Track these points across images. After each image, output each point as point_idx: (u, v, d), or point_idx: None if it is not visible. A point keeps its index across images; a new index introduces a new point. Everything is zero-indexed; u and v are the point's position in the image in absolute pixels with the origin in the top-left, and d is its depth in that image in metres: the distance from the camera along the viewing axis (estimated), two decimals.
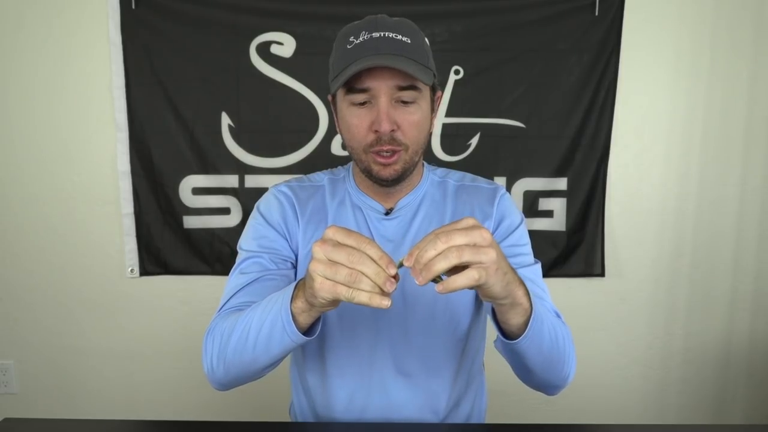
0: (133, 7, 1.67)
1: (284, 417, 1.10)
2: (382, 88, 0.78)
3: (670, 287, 1.87)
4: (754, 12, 1.73)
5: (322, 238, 0.58)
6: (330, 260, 0.56)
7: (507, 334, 0.71)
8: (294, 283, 0.67)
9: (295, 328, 0.65)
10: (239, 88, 1.72)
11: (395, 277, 0.56)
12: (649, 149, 1.81)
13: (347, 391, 0.92)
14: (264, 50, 1.71)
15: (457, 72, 1.72)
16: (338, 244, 0.56)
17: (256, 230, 0.90)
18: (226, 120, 1.75)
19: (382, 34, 0.78)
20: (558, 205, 1.81)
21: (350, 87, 0.79)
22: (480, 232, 0.56)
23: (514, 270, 0.64)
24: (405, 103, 0.80)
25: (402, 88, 0.79)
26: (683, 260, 1.86)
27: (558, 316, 0.87)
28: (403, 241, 0.90)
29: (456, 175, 0.98)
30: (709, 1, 1.72)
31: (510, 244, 0.91)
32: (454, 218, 0.91)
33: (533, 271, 0.90)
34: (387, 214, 0.91)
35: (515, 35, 1.71)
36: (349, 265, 0.55)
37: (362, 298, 0.55)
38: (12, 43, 1.71)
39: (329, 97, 0.90)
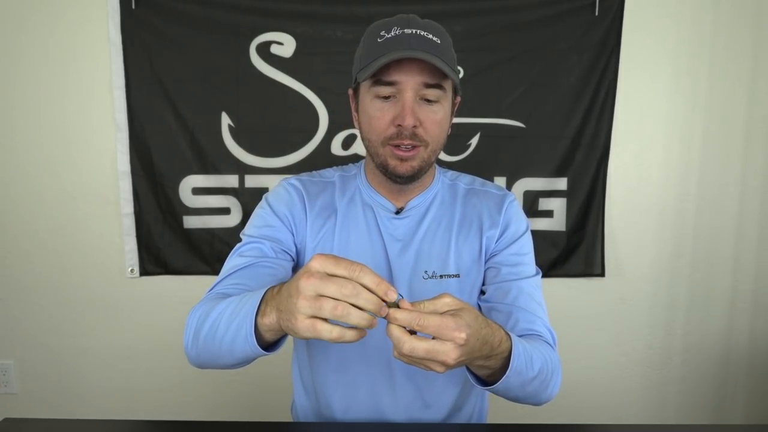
0: (133, 7, 1.67)
1: (285, 417, 1.10)
2: (410, 83, 0.79)
3: (670, 287, 1.87)
4: (753, 12, 1.73)
5: (308, 271, 0.52)
6: (319, 295, 0.51)
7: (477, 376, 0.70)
8: (261, 292, 0.62)
9: (255, 342, 0.62)
10: (239, 88, 1.72)
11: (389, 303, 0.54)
12: (649, 149, 1.81)
13: (350, 392, 0.92)
14: (264, 50, 1.71)
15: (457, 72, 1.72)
16: (326, 276, 0.51)
17: (262, 218, 0.90)
18: (226, 120, 1.75)
19: (413, 31, 0.79)
20: (558, 205, 1.81)
21: (378, 79, 0.79)
22: (457, 333, 0.55)
23: (484, 339, 0.61)
24: (429, 101, 0.81)
25: (428, 86, 0.80)
26: (683, 260, 1.86)
27: (550, 333, 0.85)
28: (411, 241, 0.90)
29: (466, 178, 0.99)
30: (708, 1, 1.72)
31: (513, 253, 0.91)
32: (463, 221, 0.92)
33: (532, 283, 0.90)
34: (397, 213, 0.91)
35: (515, 35, 1.71)
36: (342, 298, 0.50)
37: (347, 337, 0.52)
38: (12, 43, 1.71)
39: (349, 91, 0.90)
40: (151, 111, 1.73)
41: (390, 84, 0.79)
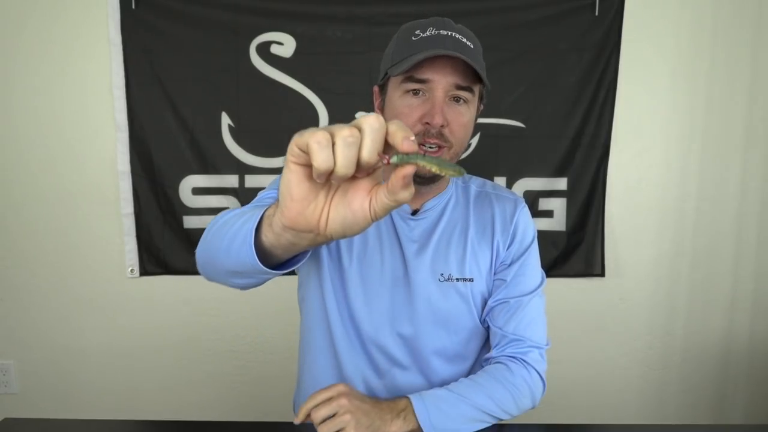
0: (133, 7, 1.67)
1: (286, 417, 1.10)
2: (442, 82, 0.79)
3: (670, 287, 1.87)
4: (753, 12, 1.73)
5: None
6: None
7: None
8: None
9: (252, 239, 0.54)
10: (239, 88, 1.72)
11: None
12: (649, 149, 1.81)
13: (358, 381, 0.92)
14: (264, 50, 1.71)
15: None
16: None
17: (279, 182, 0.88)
18: (226, 120, 1.75)
19: (449, 33, 0.80)
20: (558, 205, 1.81)
21: (410, 76, 0.80)
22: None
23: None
24: (457, 103, 0.82)
25: (459, 87, 0.80)
26: (683, 260, 1.86)
27: (537, 350, 0.89)
28: (427, 242, 0.91)
29: (477, 181, 0.99)
30: (709, 1, 1.72)
31: (518, 266, 0.92)
32: (478, 226, 0.93)
33: (533, 297, 0.91)
34: (413, 214, 0.92)
35: (515, 35, 1.71)
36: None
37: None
38: (13, 43, 1.71)
39: (375, 88, 0.91)
40: (151, 111, 1.73)
41: (422, 81, 0.80)
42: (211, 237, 0.67)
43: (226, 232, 0.61)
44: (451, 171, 0.43)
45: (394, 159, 0.42)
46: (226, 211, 0.71)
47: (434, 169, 0.42)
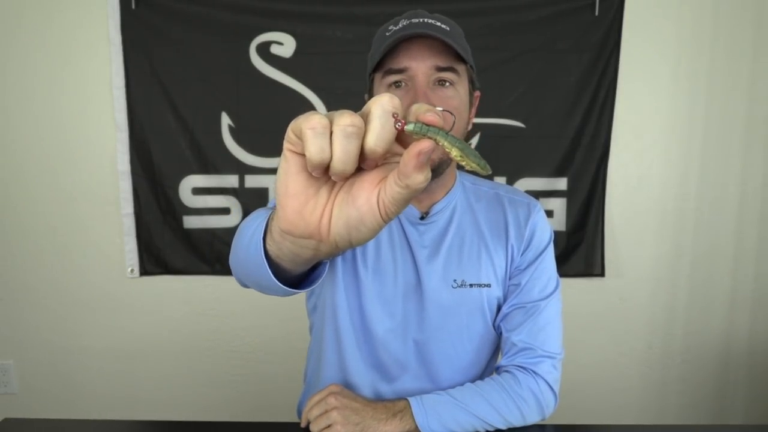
0: (133, 7, 1.67)
1: (286, 417, 1.10)
2: (420, 67, 0.77)
3: (670, 287, 1.87)
4: (754, 12, 1.73)
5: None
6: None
7: None
8: None
9: (261, 238, 0.48)
10: (239, 88, 1.72)
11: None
12: (649, 149, 1.81)
13: (367, 390, 0.92)
14: (264, 50, 1.71)
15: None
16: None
17: None
18: (226, 120, 1.75)
19: (421, 20, 0.78)
20: (558, 205, 1.81)
21: (389, 69, 0.78)
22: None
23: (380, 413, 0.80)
24: (443, 86, 0.79)
25: (441, 69, 0.78)
26: (683, 260, 1.86)
27: (550, 359, 0.89)
28: (439, 248, 0.89)
29: (487, 182, 0.98)
30: (708, 1, 1.73)
31: (532, 271, 0.92)
32: (491, 230, 0.91)
33: (548, 303, 0.91)
34: (422, 218, 0.90)
35: (515, 35, 1.71)
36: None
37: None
38: (12, 42, 1.71)
39: (365, 96, 0.90)
40: (151, 111, 1.73)
41: (401, 71, 0.78)
42: (235, 245, 0.61)
43: (241, 242, 0.56)
44: (474, 164, 0.35)
45: (409, 126, 0.34)
46: (253, 212, 0.64)
47: (454, 153, 0.34)
